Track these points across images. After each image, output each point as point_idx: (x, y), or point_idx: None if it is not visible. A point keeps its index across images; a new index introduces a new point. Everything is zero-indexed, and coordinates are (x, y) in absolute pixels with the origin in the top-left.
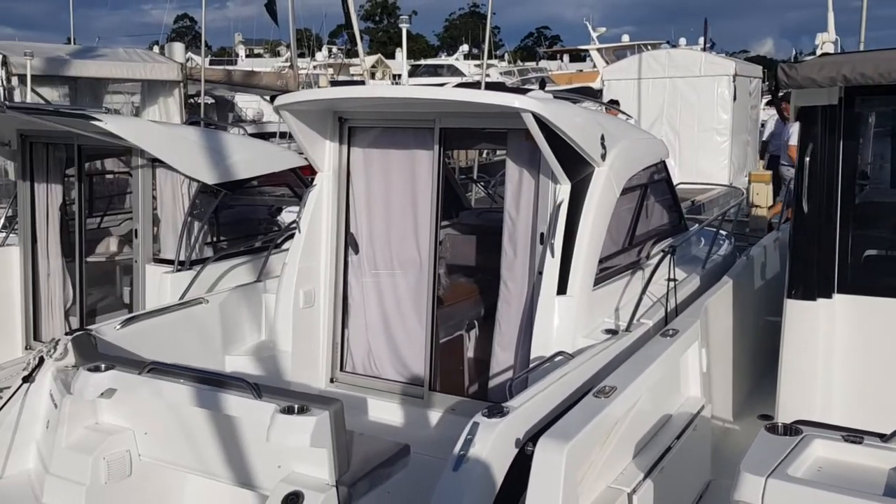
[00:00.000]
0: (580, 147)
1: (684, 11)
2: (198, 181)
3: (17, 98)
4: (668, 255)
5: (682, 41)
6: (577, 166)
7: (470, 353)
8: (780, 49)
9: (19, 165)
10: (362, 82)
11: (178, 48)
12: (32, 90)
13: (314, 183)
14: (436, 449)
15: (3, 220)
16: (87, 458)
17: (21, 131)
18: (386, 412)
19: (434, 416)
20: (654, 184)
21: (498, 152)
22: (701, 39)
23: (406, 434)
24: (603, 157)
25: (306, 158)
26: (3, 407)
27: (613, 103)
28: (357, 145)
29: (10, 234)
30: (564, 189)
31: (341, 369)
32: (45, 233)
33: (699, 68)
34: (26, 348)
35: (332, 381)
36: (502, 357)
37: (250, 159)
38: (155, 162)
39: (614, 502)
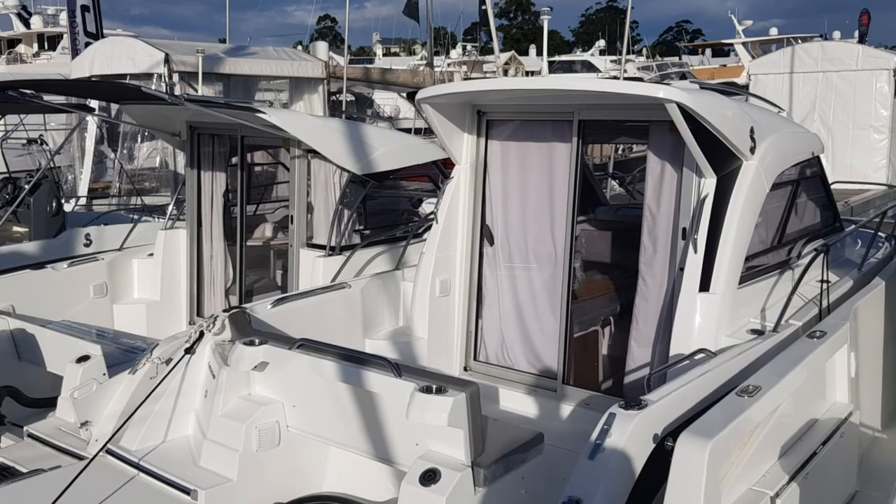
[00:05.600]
0: (728, 139)
1: (840, 2)
2: (348, 171)
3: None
4: (821, 255)
5: (837, 34)
6: (723, 159)
7: (605, 349)
8: None
9: (188, 155)
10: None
11: (321, 47)
12: (192, 85)
13: (452, 175)
14: (569, 441)
15: (171, 206)
16: (241, 427)
17: (190, 123)
18: (518, 403)
19: (567, 409)
20: (808, 180)
21: (635, 148)
22: (856, 33)
23: (538, 425)
24: (752, 150)
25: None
26: (166, 377)
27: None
28: (495, 138)
29: (178, 220)
30: (709, 183)
31: (475, 358)
32: (210, 218)
33: (855, 62)
34: (190, 323)
35: (465, 369)
36: (639, 354)
37: (396, 151)
38: (310, 153)
39: None
